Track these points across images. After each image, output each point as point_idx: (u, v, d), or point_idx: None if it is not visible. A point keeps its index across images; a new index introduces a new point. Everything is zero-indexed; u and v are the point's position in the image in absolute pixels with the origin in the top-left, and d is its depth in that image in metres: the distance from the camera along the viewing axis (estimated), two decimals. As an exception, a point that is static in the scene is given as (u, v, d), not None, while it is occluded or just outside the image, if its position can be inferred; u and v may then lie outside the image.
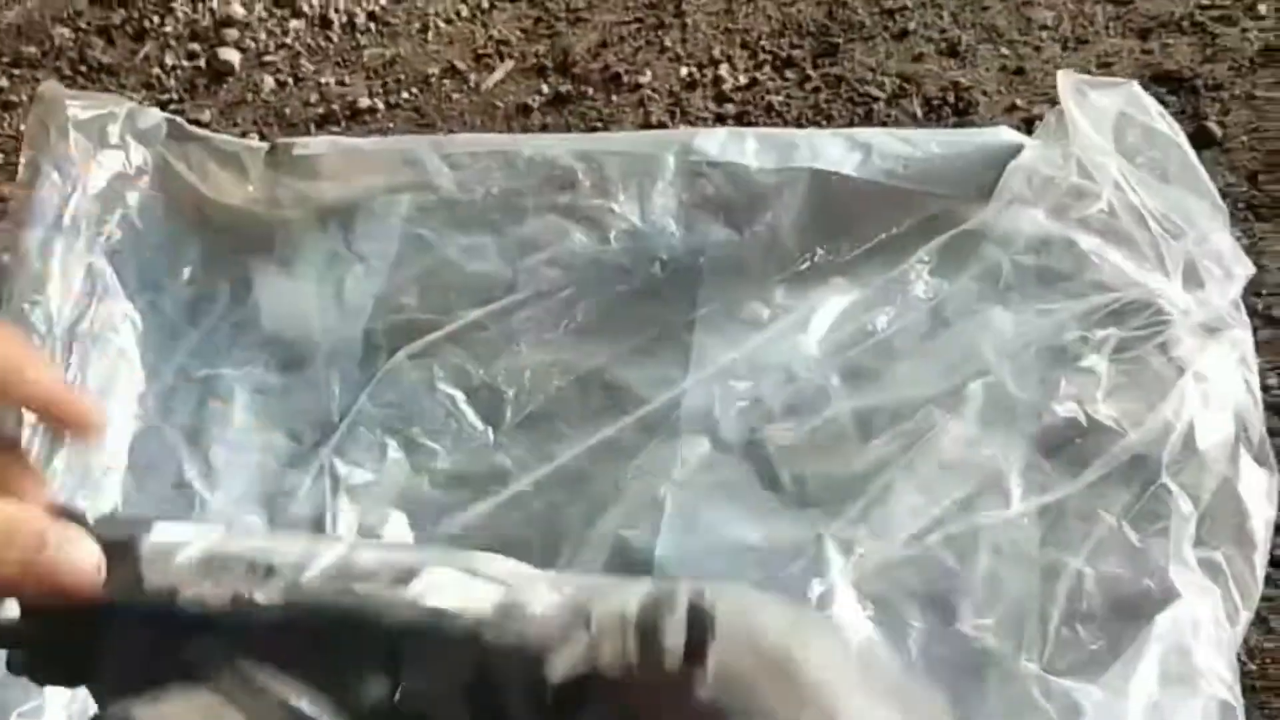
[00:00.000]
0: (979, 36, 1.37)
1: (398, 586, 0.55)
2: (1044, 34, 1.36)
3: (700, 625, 0.52)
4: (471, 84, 1.42)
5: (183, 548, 0.57)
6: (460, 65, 1.43)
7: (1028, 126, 1.22)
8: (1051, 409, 1.00)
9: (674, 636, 0.52)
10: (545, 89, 1.40)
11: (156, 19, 1.51)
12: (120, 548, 0.55)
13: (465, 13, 1.48)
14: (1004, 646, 0.92)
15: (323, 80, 1.44)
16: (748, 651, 0.52)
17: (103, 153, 1.16)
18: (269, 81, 1.44)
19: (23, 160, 1.14)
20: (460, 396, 1.09)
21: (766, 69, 1.38)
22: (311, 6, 1.50)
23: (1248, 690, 0.92)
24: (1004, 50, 1.35)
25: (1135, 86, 1.10)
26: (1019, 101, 1.31)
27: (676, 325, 1.10)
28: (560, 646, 0.53)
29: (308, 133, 1.38)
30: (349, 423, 1.08)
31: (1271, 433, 0.99)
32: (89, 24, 1.52)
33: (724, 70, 1.38)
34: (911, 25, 1.39)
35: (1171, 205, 1.04)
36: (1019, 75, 1.33)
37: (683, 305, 1.11)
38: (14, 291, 1.08)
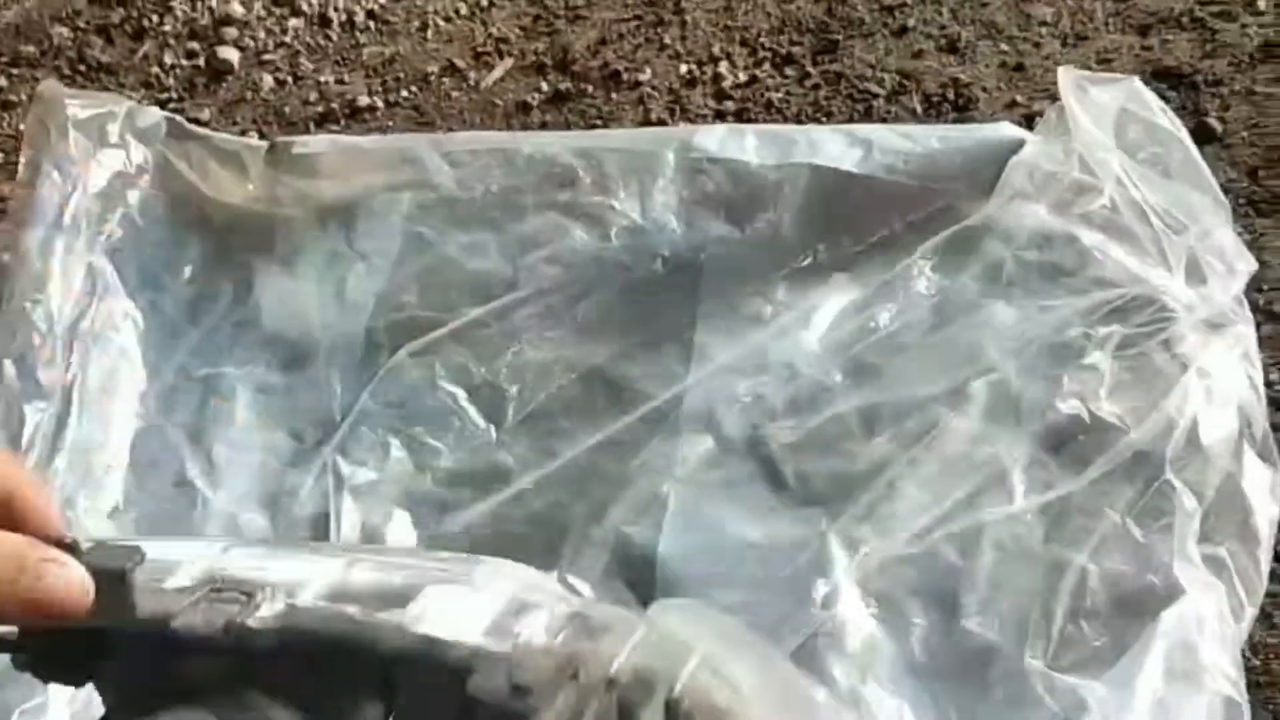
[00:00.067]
0: (978, 33, 1.37)
1: (393, 610, 0.55)
2: (1043, 30, 1.36)
3: None
4: (471, 82, 1.41)
5: (175, 573, 0.57)
6: (459, 63, 1.43)
7: (1028, 123, 1.22)
8: (1055, 406, 0.99)
9: None
10: (545, 87, 1.40)
11: (155, 18, 1.51)
12: (113, 575, 0.54)
13: (464, 11, 1.48)
14: (1008, 643, 0.92)
15: (322, 79, 1.44)
16: None
17: (103, 152, 1.16)
18: (268, 80, 1.44)
19: (23, 159, 1.14)
20: (462, 394, 1.09)
21: (766, 66, 1.38)
22: (310, 5, 1.49)
23: (1252, 685, 0.92)
24: (1003, 47, 1.35)
25: (1136, 82, 1.09)
26: (1019, 98, 1.31)
27: (678, 322, 1.10)
28: (547, 694, 0.53)
29: (307, 131, 1.38)
30: (351, 421, 1.08)
31: (1275, 428, 0.99)
32: (88, 23, 1.52)
33: (723, 67, 1.38)
34: (911, 22, 1.39)
35: (1173, 201, 1.04)
36: (1019, 71, 1.33)
37: (684, 302, 1.11)
38: (15, 290, 1.08)
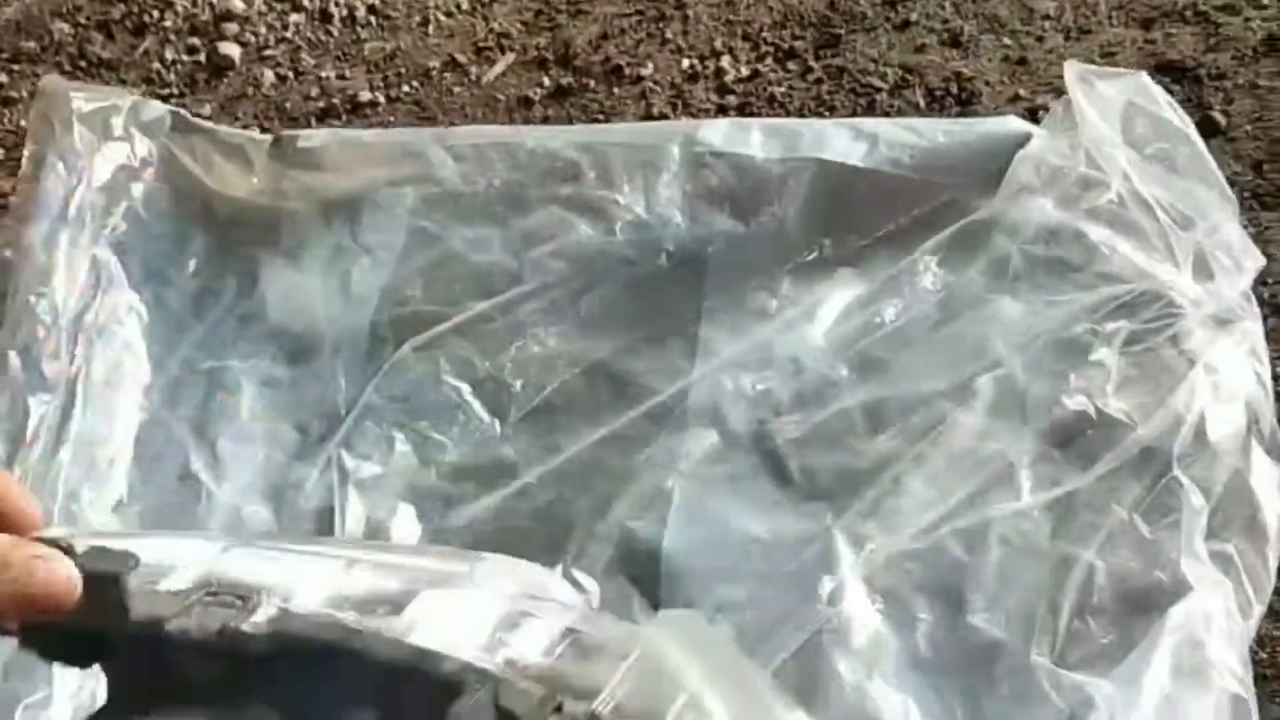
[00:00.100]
0: (981, 27, 1.37)
1: (389, 617, 0.55)
2: (1046, 24, 1.36)
3: None
4: (472, 77, 1.41)
5: (170, 575, 0.57)
6: (461, 58, 1.43)
7: (1031, 117, 1.22)
8: (1062, 402, 0.99)
9: None
10: (546, 82, 1.40)
11: (156, 13, 1.51)
12: (107, 579, 0.55)
13: (466, 5, 1.48)
14: (1014, 640, 0.91)
15: (323, 74, 1.44)
16: None
17: (107, 145, 1.15)
18: (269, 76, 1.44)
19: (27, 153, 1.14)
20: (467, 389, 1.09)
21: (768, 60, 1.38)
22: (311, 0, 1.49)
23: (1259, 679, 0.92)
24: (1006, 40, 1.35)
25: (1143, 76, 1.09)
26: (1022, 92, 1.31)
27: (683, 317, 1.10)
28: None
29: (308, 126, 1.38)
30: (356, 415, 1.08)
31: (1283, 424, 0.99)
32: (88, 19, 1.52)
33: (726, 62, 1.38)
34: (913, 16, 1.39)
35: (1181, 196, 1.04)
36: (1022, 65, 1.33)
37: (689, 297, 1.10)
38: (19, 284, 1.08)
